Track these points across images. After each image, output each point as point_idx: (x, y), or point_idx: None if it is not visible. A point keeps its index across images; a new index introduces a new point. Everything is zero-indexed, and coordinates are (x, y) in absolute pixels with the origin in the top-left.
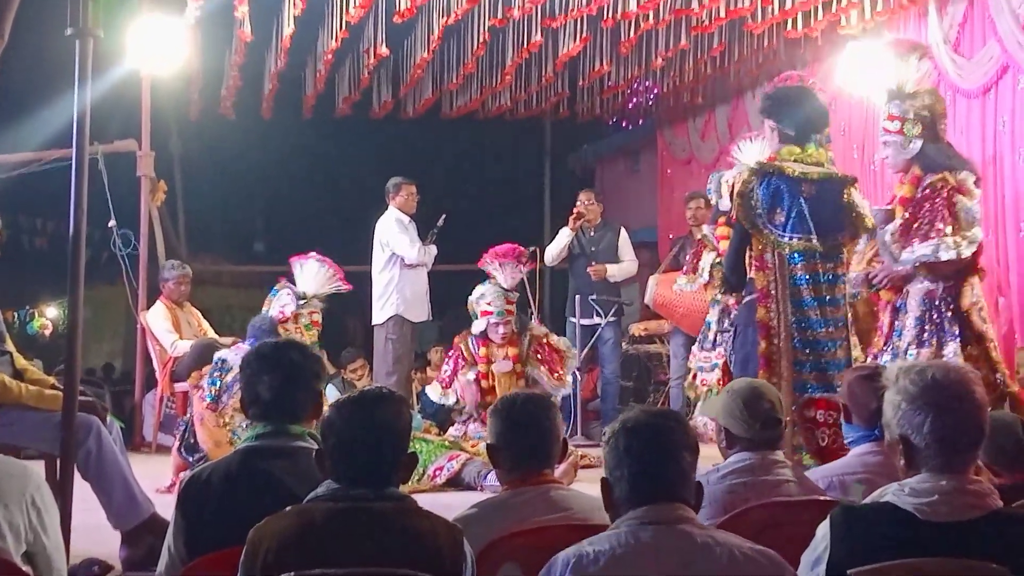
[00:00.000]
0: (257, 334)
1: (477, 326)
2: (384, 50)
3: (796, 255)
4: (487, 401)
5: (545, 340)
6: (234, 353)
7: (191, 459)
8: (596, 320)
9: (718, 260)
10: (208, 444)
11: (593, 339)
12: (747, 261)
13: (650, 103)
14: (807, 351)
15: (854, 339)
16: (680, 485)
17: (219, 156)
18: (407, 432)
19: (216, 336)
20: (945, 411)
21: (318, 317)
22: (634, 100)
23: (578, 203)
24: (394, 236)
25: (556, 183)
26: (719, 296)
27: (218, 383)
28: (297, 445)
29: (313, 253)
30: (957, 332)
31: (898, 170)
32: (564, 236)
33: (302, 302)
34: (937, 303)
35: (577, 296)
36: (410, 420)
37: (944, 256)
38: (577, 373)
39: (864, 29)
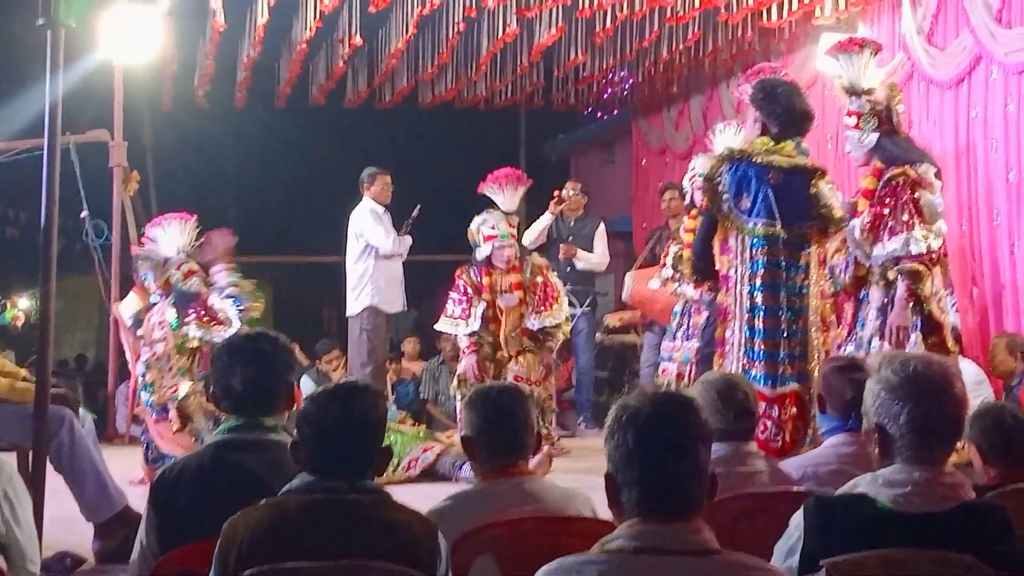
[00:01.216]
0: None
1: (480, 252)
2: (359, 39)
3: (758, 240)
4: (493, 332)
5: (546, 271)
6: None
7: (156, 463)
8: (570, 310)
9: (679, 252)
10: (178, 452)
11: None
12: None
13: (625, 93)
14: (761, 339)
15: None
16: (695, 489)
17: (192, 146)
18: (382, 425)
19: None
20: (923, 403)
21: (193, 266)
22: (609, 90)
23: (564, 189)
24: (368, 227)
25: (532, 173)
26: (679, 288)
27: (151, 388)
28: (270, 438)
29: (162, 216)
30: (918, 323)
31: (860, 164)
32: (545, 219)
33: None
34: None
35: None
36: (385, 413)
37: (914, 250)
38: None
39: (838, 20)
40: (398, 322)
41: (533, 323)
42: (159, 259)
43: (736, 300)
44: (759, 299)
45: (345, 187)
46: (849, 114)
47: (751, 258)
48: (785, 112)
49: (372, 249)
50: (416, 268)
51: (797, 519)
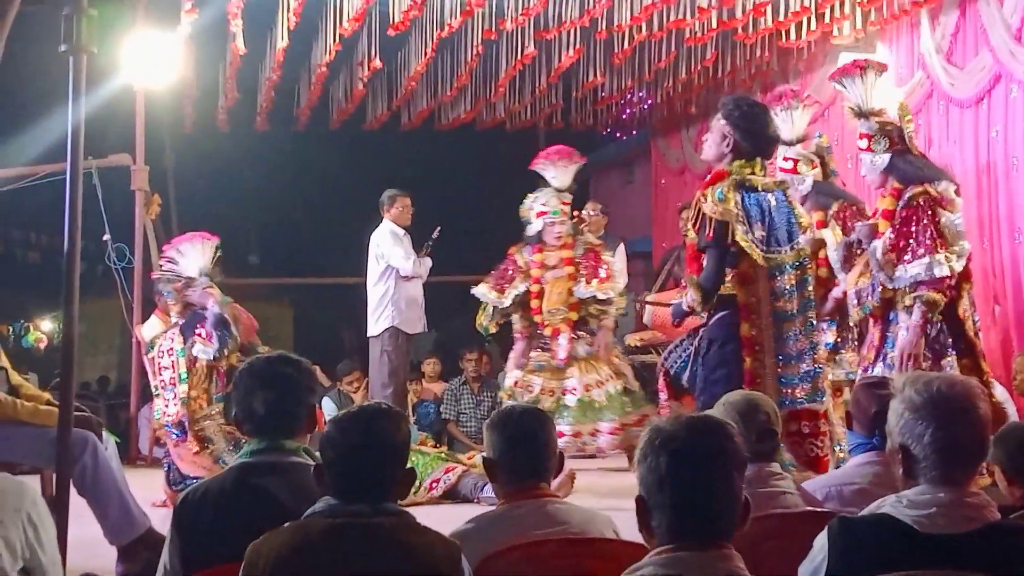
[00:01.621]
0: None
1: (532, 229)
2: (378, 62)
3: (775, 270)
4: (531, 313)
5: (599, 250)
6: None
7: (177, 487)
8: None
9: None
10: (199, 472)
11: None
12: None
13: (644, 113)
14: (788, 364)
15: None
16: (727, 515)
17: (213, 169)
18: (406, 447)
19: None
20: (947, 423)
21: (214, 290)
22: (628, 111)
23: (584, 211)
24: (389, 248)
25: None
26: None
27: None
28: (292, 460)
29: (180, 236)
30: (950, 344)
31: (876, 185)
32: None
33: (198, 283)
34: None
35: None
36: (408, 435)
37: (937, 273)
38: None
39: (856, 39)
40: (418, 343)
41: (583, 291)
42: (179, 279)
43: (763, 331)
44: (791, 326)
45: (365, 209)
46: (860, 136)
47: (772, 287)
48: (761, 133)
49: (393, 271)
50: (436, 289)
51: (821, 540)
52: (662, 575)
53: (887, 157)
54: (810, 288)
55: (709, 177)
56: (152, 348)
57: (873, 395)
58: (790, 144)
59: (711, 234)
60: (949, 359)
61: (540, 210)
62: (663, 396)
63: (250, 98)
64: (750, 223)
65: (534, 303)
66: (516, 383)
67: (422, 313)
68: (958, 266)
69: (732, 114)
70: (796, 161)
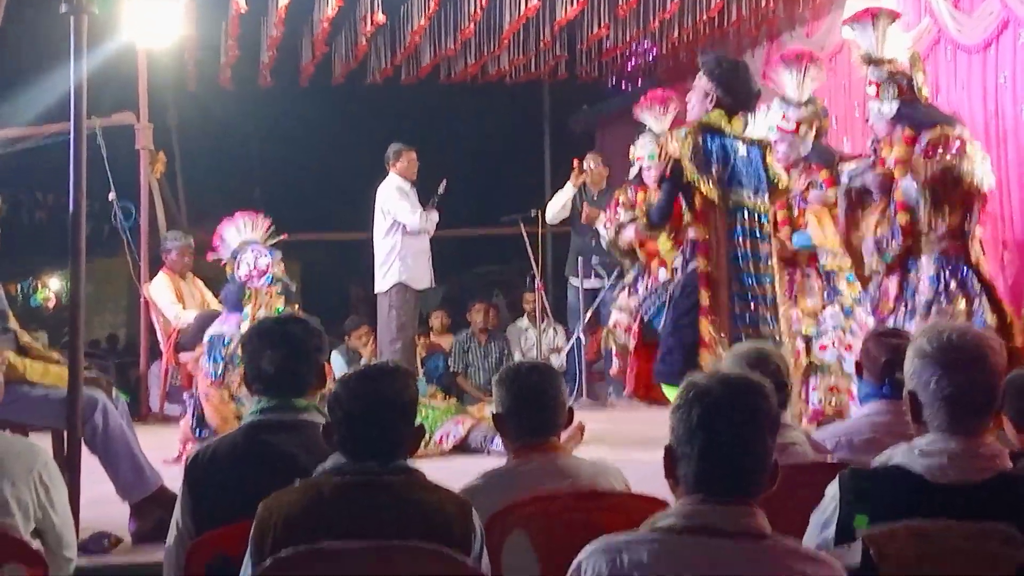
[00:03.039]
0: (234, 302)
1: (632, 171)
2: (381, 17)
3: (734, 209)
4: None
5: None
6: (225, 324)
7: (201, 434)
8: (597, 282)
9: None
10: (215, 420)
11: (596, 302)
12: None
13: (649, 64)
14: (742, 304)
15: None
16: (754, 476)
17: (217, 126)
18: (414, 405)
19: (220, 307)
20: (953, 371)
21: (283, 265)
22: (633, 62)
23: (585, 162)
24: (395, 203)
25: (556, 147)
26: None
27: (220, 359)
28: (303, 418)
29: (231, 216)
30: (981, 290)
31: (883, 134)
32: (567, 191)
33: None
34: (953, 260)
35: (580, 258)
36: (416, 393)
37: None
38: (582, 335)
39: None
40: (426, 297)
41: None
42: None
43: (717, 267)
44: (744, 266)
45: (371, 164)
46: (869, 83)
47: (729, 226)
48: (743, 89)
49: (399, 225)
50: (443, 243)
51: (832, 490)
52: (683, 525)
53: (895, 105)
54: (768, 243)
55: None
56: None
57: (883, 343)
58: (796, 105)
59: (667, 171)
60: (981, 300)
61: (639, 155)
62: (633, 342)
63: (253, 55)
64: (708, 162)
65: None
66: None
67: (429, 267)
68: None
69: (713, 72)
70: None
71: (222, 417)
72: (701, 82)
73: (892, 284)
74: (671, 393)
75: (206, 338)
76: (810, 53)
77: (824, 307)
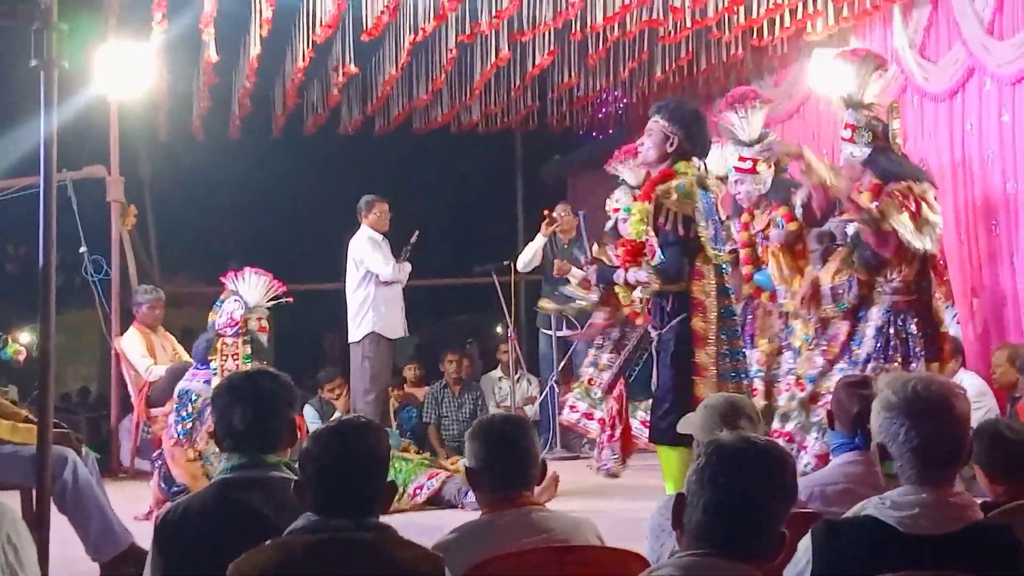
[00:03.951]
0: (201, 356)
1: (608, 225)
2: (353, 68)
3: (721, 267)
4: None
5: None
6: (192, 380)
7: (170, 491)
8: (570, 332)
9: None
10: (184, 479)
11: (570, 351)
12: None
13: (620, 113)
14: (731, 361)
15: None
16: (760, 537)
17: (189, 178)
18: (386, 461)
19: (191, 360)
20: (921, 423)
21: (265, 323)
22: (604, 110)
23: (555, 212)
24: (368, 254)
25: (528, 195)
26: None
27: (188, 417)
28: (273, 475)
29: (247, 267)
30: (921, 351)
31: (853, 179)
32: (537, 241)
33: (249, 308)
34: (902, 314)
35: None
36: (388, 449)
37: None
38: (555, 385)
39: (830, 35)
40: (400, 348)
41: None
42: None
43: (709, 325)
44: (731, 323)
45: (343, 215)
46: (845, 126)
47: (718, 283)
48: (702, 136)
49: (372, 276)
50: (416, 293)
51: (806, 543)
52: None
53: (868, 151)
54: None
55: (655, 176)
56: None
57: (855, 395)
58: (748, 145)
59: (681, 229)
60: (917, 365)
61: (614, 207)
62: (615, 406)
63: (225, 106)
64: (705, 220)
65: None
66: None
67: (403, 317)
68: (927, 244)
69: (676, 115)
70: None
71: (191, 475)
72: (659, 125)
73: (843, 330)
74: (667, 455)
75: (177, 391)
76: (752, 92)
77: (780, 350)
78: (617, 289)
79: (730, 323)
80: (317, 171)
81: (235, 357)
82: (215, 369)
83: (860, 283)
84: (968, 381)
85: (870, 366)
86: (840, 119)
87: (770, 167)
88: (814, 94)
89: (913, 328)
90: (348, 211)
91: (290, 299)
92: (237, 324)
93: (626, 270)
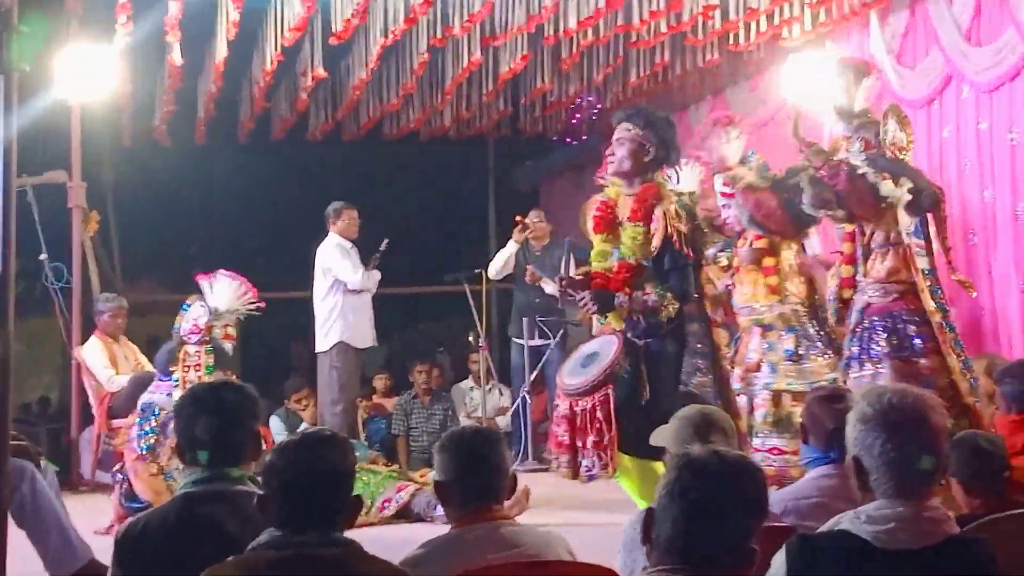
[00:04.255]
0: (163, 367)
1: None
2: (321, 72)
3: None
4: None
5: None
6: (155, 393)
7: (132, 507)
8: (542, 341)
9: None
10: (147, 495)
11: (542, 361)
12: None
13: (593, 118)
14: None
15: None
16: (725, 553)
17: (153, 184)
18: (351, 475)
19: (154, 370)
20: (896, 434)
21: (232, 331)
22: (577, 116)
23: (527, 219)
24: (336, 262)
25: (500, 202)
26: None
27: (151, 432)
28: (237, 489)
29: (221, 270)
30: (885, 351)
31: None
32: (509, 248)
33: (215, 315)
34: (871, 319)
35: (524, 318)
36: (354, 462)
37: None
38: (527, 395)
39: (806, 41)
40: (369, 357)
41: None
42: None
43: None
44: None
45: (311, 222)
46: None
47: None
48: (675, 143)
49: (340, 284)
50: (386, 302)
51: (780, 558)
52: None
53: (861, 158)
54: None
55: (642, 193)
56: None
57: (830, 410)
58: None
59: (690, 250)
60: (921, 360)
61: None
62: (607, 436)
63: (190, 111)
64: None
65: None
66: None
67: (372, 327)
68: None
69: (652, 124)
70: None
71: (154, 491)
72: (631, 134)
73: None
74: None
75: (140, 404)
76: (728, 116)
77: (759, 364)
78: (610, 316)
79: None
80: (284, 177)
81: (197, 368)
82: (176, 380)
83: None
84: None
85: (852, 370)
86: (830, 132)
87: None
88: (790, 100)
89: (881, 332)
90: (316, 218)
91: (262, 306)
92: (201, 332)
93: (629, 295)
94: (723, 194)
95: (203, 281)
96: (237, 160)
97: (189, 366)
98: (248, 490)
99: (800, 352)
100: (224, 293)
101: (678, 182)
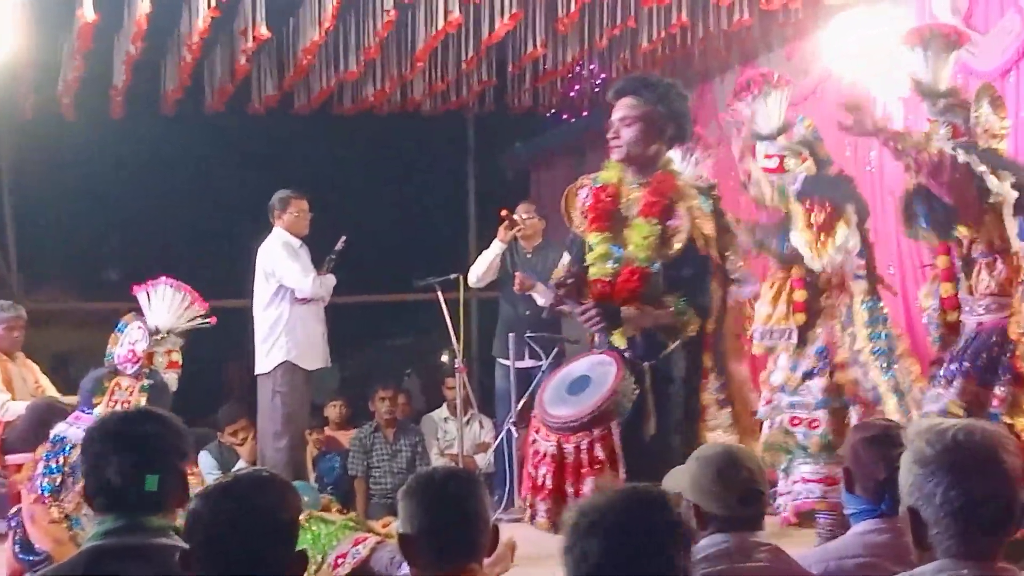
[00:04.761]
0: (87, 399)
1: None
2: (264, 31)
3: None
4: None
5: None
6: (72, 426)
7: (27, 559)
8: (532, 362)
9: None
10: (47, 544)
11: (532, 386)
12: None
13: (595, 90)
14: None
15: None
16: None
17: (59, 166)
18: (294, 525)
19: (58, 395)
20: (962, 478)
21: (177, 356)
22: (576, 87)
23: (515, 214)
24: (282, 264)
25: (483, 192)
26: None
27: (57, 470)
28: (157, 542)
29: (163, 277)
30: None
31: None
32: (493, 250)
33: (156, 338)
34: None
35: (510, 334)
36: (297, 509)
37: None
38: (513, 428)
39: None
40: (320, 381)
41: None
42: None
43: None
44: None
45: (251, 214)
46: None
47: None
48: (689, 117)
49: (287, 292)
50: (342, 313)
51: None
52: None
53: (949, 146)
54: None
55: (657, 183)
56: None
57: (881, 455)
58: (771, 138)
59: (717, 256)
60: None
61: None
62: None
63: (104, 78)
64: None
65: None
66: None
67: (324, 343)
68: None
69: (667, 97)
70: (782, 157)
71: (54, 539)
72: (642, 110)
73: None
74: None
75: (52, 435)
76: (761, 74)
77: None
78: (615, 333)
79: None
80: (219, 159)
81: (127, 405)
82: (98, 415)
83: None
84: None
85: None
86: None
87: (803, 160)
88: (836, 69)
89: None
90: (258, 209)
91: (211, 321)
92: (140, 360)
93: (639, 308)
94: (767, 169)
95: (141, 293)
96: (162, 138)
97: (117, 401)
98: (171, 543)
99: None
100: (164, 307)
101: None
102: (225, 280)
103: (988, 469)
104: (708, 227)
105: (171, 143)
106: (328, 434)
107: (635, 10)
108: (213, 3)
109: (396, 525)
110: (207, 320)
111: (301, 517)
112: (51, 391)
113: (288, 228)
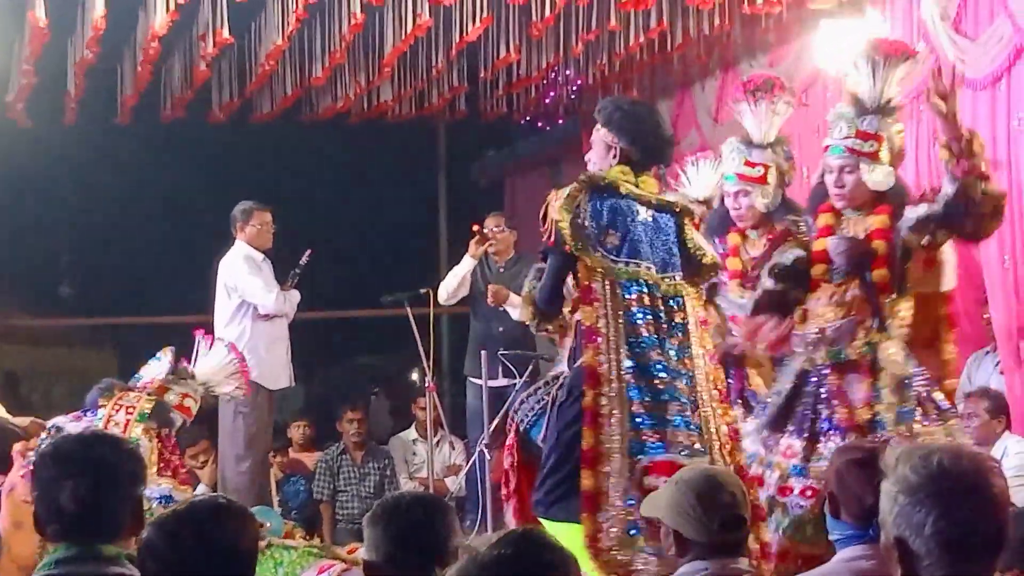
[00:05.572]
0: (93, 400)
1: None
2: (226, 35)
3: (632, 285)
4: None
5: None
6: (72, 422)
7: None
8: (505, 381)
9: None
10: (5, 523)
11: (505, 406)
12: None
13: (572, 98)
14: (646, 401)
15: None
16: None
17: (9, 176)
18: (253, 553)
19: (7, 415)
20: (952, 507)
21: (191, 404)
22: (551, 94)
23: (485, 227)
24: (244, 278)
25: (454, 203)
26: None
27: None
28: (111, 571)
29: (229, 342)
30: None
31: (855, 203)
32: (464, 265)
33: (183, 379)
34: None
35: (482, 351)
36: (257, 537)
37: None
38: (485, 450)
39: (840, 3)
40: (284, 401)
41: None
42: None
43: (611, 362)
44: (650, 355)
45: (212, 227)
46: (861, 135)
47: (627, 307)
48: (652, 136)
49: (249, 307)
50: (307, 330)
51: None
52: None
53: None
54: (683, 334)
55: None
56: None
57: (867, 479)
58: (759, 146)
59: (551, 239)
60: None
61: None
62: (508, 460)
63: (57, 84)
64: (599, 228)
65: None
66: None
67: (288, 362)
68: None
69: (612, 118)
70: (767, 168)
71: (13, 521)
72: (599, 134)
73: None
74: (553, 529)
75: (49, 424)
76: (783, 84)
77: None
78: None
79: (655, 355)
80: (178, 169)
81: (129, 411)
82: (100, 417)
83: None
84: (1015, 448)
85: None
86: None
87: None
88: (821, 78)
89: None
90: (220, 222)
91: (246, 392)
92: (155, 388)
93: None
94: (743, 176)
95: (200, 337)
96: (117, 146)
97: (121, 405)
98: (126, 572)
99: None
100: (213, 362)
101: (689, 184)
102: (183, 295)
103: (978, 496)
104: (554, 212)
105: (126, 153)
106: (292, 457)
107: (613, 14)
108: (172, 7)
109: (362, 552)
110: (243, 391)
111: (261, 544)
112: (0, 412)
113: (250, 241)
